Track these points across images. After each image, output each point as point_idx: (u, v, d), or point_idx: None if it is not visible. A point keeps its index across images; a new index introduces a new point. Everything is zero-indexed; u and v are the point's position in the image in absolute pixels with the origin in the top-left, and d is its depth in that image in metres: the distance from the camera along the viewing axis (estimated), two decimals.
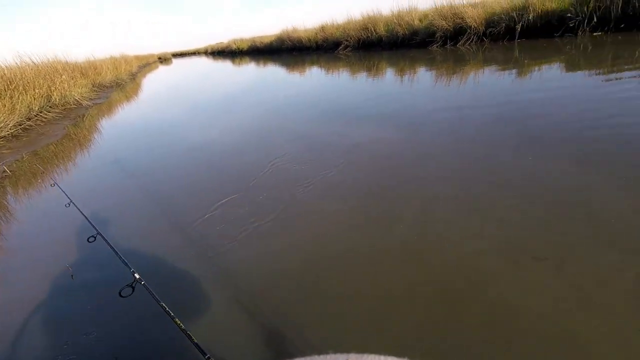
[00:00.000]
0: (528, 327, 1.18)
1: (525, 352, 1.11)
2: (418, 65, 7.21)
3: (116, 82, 12.94)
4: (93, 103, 8.69)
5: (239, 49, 27.02)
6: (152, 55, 40.37)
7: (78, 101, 8.25)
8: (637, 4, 6.21)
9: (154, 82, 15.12)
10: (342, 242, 1.81)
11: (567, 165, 2.17)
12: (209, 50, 40.17)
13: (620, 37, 6.17)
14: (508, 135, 2.80)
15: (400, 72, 6.84)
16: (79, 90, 8.70)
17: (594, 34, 6.81)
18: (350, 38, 12.70)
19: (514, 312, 1.25)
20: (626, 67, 4.21)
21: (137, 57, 28.03)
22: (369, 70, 7.80)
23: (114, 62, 15.29)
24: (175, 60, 37.24)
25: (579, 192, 1.87)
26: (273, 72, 11.16)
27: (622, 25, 6.53)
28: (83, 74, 10.59)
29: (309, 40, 15.94)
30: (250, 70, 13.66)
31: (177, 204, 2.57)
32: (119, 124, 6.21)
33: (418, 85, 5.36)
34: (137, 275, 1.26)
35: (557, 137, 2.59)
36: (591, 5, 6.74)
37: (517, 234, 1.63)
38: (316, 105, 5.15)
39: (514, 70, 5.15)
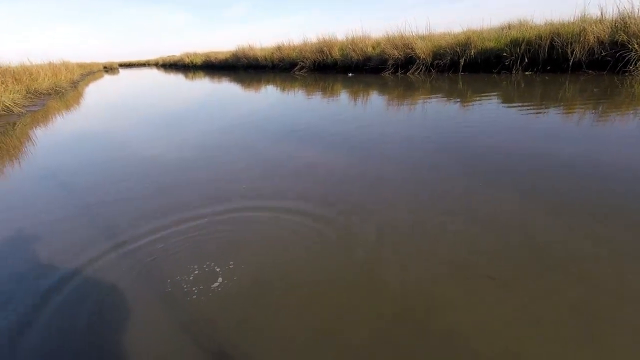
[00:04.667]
0: (480, 344, 1.24)
1: None
2: (372, 90, 7.53)
3: (55, 89, 11.99)
4: (27, 110, 7.96)
5: (192, 63, 26.48)
6: (96, 64, 38.14)
7: (9, 108, 7.52)
8: (560, 50, 7.09)
9: (98, 91, 14.24)
10: (294, 266, 1.79)
11: (511, 192, 2.36)
12: (160, 63, 38.90)
13: (547, 77, 6.95)
14: (457, 162, 2.99)
15: (354, 95, 7.09)
16: (10, 96, 7.93)
17: (526, 72, 7.62)
18: (306, 59, 13.00)
19: (468, 329, 1.31)
20: (552, 105, 4.74)
21: (80, 65, 26.29)
22: (324, 91, 7.99)
23: (53, 68, 14.19)
24: (122, 71, 35.38)
25: (520, 218, 2.03)
26: (229, 88, 11.02)
27: (549, 67, 7.40)
28: (16, 80, 9.69)
29: (265, 59, 16.07)
30: (204, 84, 13.38)
31: (115, 222, 2.39)
32: (57, 134, 5.72)
33: (371, 110, 5.58)
34: None
35: (503, 168, 2.81)
36: (522, 47, 7.57)
37: (468, 257, 1.73)
38: (270, 123, 5.15)
39: (458, 100, 5.56)
